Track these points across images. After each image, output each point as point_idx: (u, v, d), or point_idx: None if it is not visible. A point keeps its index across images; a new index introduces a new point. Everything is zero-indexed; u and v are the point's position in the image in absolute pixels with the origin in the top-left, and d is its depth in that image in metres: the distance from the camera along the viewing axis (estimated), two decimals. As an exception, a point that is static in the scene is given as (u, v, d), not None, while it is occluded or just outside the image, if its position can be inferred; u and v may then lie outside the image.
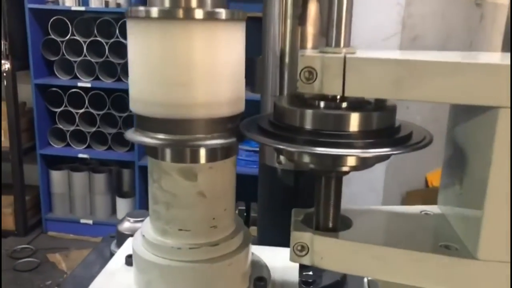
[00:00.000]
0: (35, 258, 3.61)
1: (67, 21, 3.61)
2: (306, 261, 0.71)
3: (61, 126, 3.83)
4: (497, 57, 0.68)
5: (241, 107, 0.74)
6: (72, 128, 3.82)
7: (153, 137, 0.70)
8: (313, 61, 0.63)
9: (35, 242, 3.86)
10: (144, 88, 0.68)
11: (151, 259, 0.73)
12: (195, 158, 0.72)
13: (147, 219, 0.78)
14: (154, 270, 0.73)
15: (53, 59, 3.72)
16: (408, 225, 0.76)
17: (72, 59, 3.68)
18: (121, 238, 1.01)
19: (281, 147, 0.64)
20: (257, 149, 3.24)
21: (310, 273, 1.16)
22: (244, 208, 4.02)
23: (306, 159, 0.68)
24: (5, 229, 3.85)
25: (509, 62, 0.57)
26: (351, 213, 0.77)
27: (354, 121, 0.64)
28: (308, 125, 0.65)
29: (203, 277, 0.72)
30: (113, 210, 4.02)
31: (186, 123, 0.69)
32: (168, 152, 0.72)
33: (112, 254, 0.95)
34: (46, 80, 3.76)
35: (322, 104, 0.67)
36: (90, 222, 3.95)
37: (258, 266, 0.83)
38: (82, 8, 3.63)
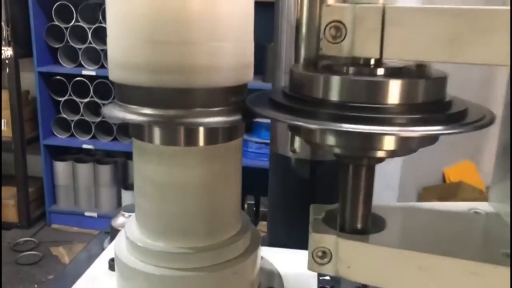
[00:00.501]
0: (38, 251, 3.50)
1: (72, 7, 3.47)
2: (328, 270, 0.57)
3: (65, 116, 3.70)
4: None
5: (248, 75, 0.59)
6: (76, 117, 3.69)
7: (137, 113, 0.55)
8: (342, 14, 0.49)
9: (38, 235, 3.75)
10: (126, 47, 0.54)
11: (136, 266, 0.58)
12: (191, 140, 0.58)
13: (133, 217, 0.64)
14: (140, 279, 0.59)
15: (57, 46, 3.59)
16: (456, 227, 0.61)
17: (76, 46, 3.55)
18: (115, 235, 0.87)
19: (299, 123, 0.49)
20: (268, 140, 3.05)
21: (327, 277, 1.02)
22: (253, 202, 3.86)
23: (331, 140, 0.53)
24: (8, 221, 3.75)
25: None
26: (383, 211, 0.62)
27: (396, 91, 0.49)
28: (334, 96, 0.51)
29: None
30: (119, 203, 3.89)
31: (179, 94, 0.54)
32: (157, 132, 0.57)
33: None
34: (50, 68, 3.63)
35: (351, 70, 0.52)
36: (95, 215, 3.84)
37: (268, 273, 0.69)
38: (87, -7, 3.49)
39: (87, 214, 3.84)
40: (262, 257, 0.70)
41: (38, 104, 3.64)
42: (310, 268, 0.57)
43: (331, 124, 0.49)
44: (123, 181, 3.95)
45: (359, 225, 0.58)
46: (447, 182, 4.08)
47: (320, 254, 0.56)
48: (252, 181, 3.77)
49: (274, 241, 1.08)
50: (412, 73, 0.52)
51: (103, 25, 3.46)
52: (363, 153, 0.54)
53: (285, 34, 0.93)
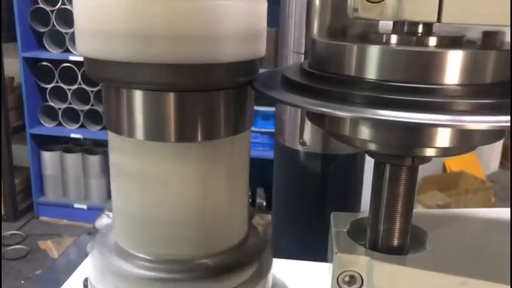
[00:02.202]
0: (25, 245, 3.37)
1: (58, -12, 3.32)
2: (357, 300, 0.44)
3: (52, 104, 3.56)
4: None
5: (260, 48, 0.46)
6: (64, 106, 3.55)
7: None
8: (386, -39, 0.35)
9: (25, 228, 3.62)
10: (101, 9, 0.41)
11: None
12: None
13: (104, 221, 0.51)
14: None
15: (42, 30, 3.43)
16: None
17: (63, 31, 3.39)
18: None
19: (322, 109, 0.36)
20: (264, 130, 2.91)
21: None
22: (250, 193, 3.84)
23: (365, 133, 0.40)
24: (-7, 213, 3.61)
25: None
26: (421, 221, 0.49)
27: (456, 66, 0.36)
28: (372, 74, 0.37)
29: None
30: (109, 195, 3.68)
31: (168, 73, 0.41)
32: (140, 124, 0.44)
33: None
34: (35, 53, 3.48)
35: (393, 39, 0.39)
36: (85, 206, 3.71)
37: None
38: (74, -25, 3.33)
39: (76, 206, 3.72)
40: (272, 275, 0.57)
41: (24, 92, 3.49)
42: (333, 297, 0.44)
43: (366, 111, 0.36)
44: (114, 172, 3.82)
45: (396, 242, 0.45)
46: (448, 171, 3.98)
47: (347, 279, 0.44)
48: (250, 172, 3.67)
49: (279, 243, 0.96)
50: (475, 44, 0.39)
51: (91, 8, 3.31)
52: (407, 151, 0.41)
53: (294, 6, 0.80)
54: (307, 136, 0.84)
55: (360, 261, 0.43)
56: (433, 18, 0.36)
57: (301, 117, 0.84)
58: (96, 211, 3.46)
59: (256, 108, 3.46)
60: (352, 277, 0.44)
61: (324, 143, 0.85)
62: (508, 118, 0.35)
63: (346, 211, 0.88)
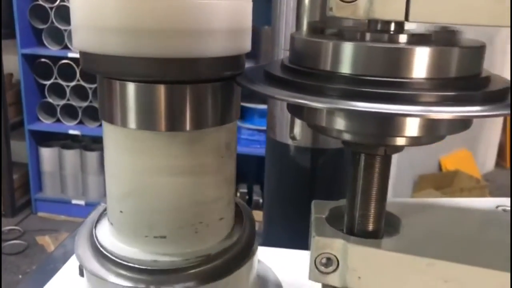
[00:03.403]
0: (23, 240, 3.39)
1: (57, -15, 3.34)
2: (334, 281, 0.47)
3: (50, 100, 3.58)
4: None
5: (245, 44, 0.48)
6: (62, 102, 3.57)
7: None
8: (357, -37, 0.38)
9: (23, 224, 3.64)
10: (96, 5, 0.44)
11: (109, 278, 0.48)
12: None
13: (96, 214, 0.54)
14: (96, 283, 0.48)
15: (41, 27, 3.45)
16: (484, 228, 0.51)
17: (62, 28, 3.42)
18: None
19: (299, 101, 0.39)
20: (261, 127, 2.93)
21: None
22: (246, 191, 3.78)
23: (340, 124, 0.43)
24: (-9, 209, 3.63)
25: None
26: (396, 209, 0.52)
27: (424, 61, 0.39)
28: (346, 68, 0.40)
29: None
30: (107, 191, 3.79)
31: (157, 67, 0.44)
32: (132, 114, 0.47)
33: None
34: (34, 50, 3.50)
35: (367, 37, 0.42)
36: (82, 203, 3.73)
37: (266, 282, 0.59)
38: (73, -28, 3.35)
39: (74, 202, 3.74)
40: (259, 261, 0.60)
41: (22, 88, 3.51)
42: (312, 278, 0.47)
43: (341, 102, 0.39)
44: (111, 168, 3.85)
45: (370, 227, 0.48)
46: (443, 170, 4.01)
47: (324, 261, 0.46)
48: (245, 169, 3.68)
49: (270, 234, 0.99)
50: (441, 41, 0.42)
51: (90, 6, 3.33)
52: (379, 140, 0.44)
53: (285, 4, 0.83)
54: (297, 130, 0.86)
55: (336, 244, 0.46)
56: (401, 17, 0.38)
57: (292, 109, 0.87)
58: (93, 207, 3.49)
59: (253, 106, 3.44)
60: (328, 259, 0.46)
61: (313, 138, 0.88)
62: (473, 108, 0.38)
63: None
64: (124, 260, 0.48)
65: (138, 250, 0.50)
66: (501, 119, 4.20)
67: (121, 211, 0.50)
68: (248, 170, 3.75)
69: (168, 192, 0.49)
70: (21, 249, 3.30)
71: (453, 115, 0.38)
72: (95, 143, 3.83)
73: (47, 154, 3.72)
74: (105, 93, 0.49)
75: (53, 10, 3.39)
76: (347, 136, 0.44)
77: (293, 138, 0.89)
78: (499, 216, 0.54)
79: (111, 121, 0.49)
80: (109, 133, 0.50)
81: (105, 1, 0.43)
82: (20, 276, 3.05)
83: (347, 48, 0.40)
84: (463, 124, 0.43)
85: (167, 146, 0.48)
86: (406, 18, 0.38)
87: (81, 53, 0.49)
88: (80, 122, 3.61)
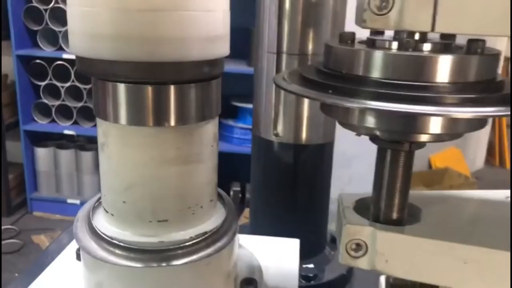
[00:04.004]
0: (19, 239, 3.42)
1: (51, -13, 3.36)
2: (363, 264, 0.52)
3: (45, 101, 3.60)
4: None
5: (222, 49, 0.54)
6: (57, 102, 3.59)
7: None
8: (390, -19, 0.43)
9: (19, 223, 3.66)
10: (90, 15, 0.48)
11: (103, 257, 0.52)
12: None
13: (95, 200, 0.59)
14: (106, 270, 0.53)
15: (36, 28, 3.47)
16: (496, 216, 0.57)
17: (56, 29, 3.43)
18: None
19: (336, 102, 0.44)
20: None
21: (311, 265, 0.98)
22: (239, 189, 3.82)
23: (370, 122, 0.48)
24: (-13, 209, 3.64)
25: None
26: (416, 200, 0.58)
27: (445, 68, 0.44)
28: (376, 73, 0.46)
29: (173, 281, 0.54)
30: (102, 190, 3.82)
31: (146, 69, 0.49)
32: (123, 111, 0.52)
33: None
34: (29, 51, 3.52)
35: (394, 45, 0.47)
36: (78, 202, 3.76)
37: (246, 264, 0.64)
38: (67, -27, 3.37)
39: (69, 201, 3.77)
40: (241, 246, 0.65)
41: (17, 89, 3.53)
42: (343, 261, 0.52)
43: (372, 103, 0.44)
44: (106, 168, 3.88)
45: (395, 215, 0.53)
46: (433, 168, 4.09)
47: (354, 247, 0.52)
48: (238, 168, 3.72)
49: (256, 225, 1.04)
50: (462, 50, 0.47)
51: (85, 6, 3.35)
52: (405, 137, 0.49)
53: (268, 12, 0.88)
54: (280, 128, 0.92)
55: (365, 231, 0.51)
56: (428, 28, 0.44)
57: (275, 110, 0.94)
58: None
59: (246, 105, 3.45)
60: (358, 245, 0.52)
61: (295, 134, 0.94)
62: (488, 109, 0.44)
63: (315, 196, 0.98)
64: (132, 245, 0.53)
65: (143, 235, 0.54)
66: (490, 118, 4.29)
67: (124, 202, 0.54)
68: (241, 168, 3.79)
69: (169, 180, 0.54)
70: (17, 248, 3.32)
71: (471, 115, 0.44)
72: (90, 143, 3.85)
73: (42, 154, 3.74)
74: (99, 92, 0.54)
75: (48, 11, 3.41)
76: (376, 133, 0.49)
77: (276, 135, 0.94)
78: (509, 205, 0.59)
79: (104, 117, 0.53)
80: (103, 128, 0.54)
81: (99, 12, 0.48)
82: (17, 274, 3.08)
83: (378, 56, 0.45)
84: (480, 123, 0.48)
85: (154, 140, 0.52)
86: (433, 29, 0.44)
87: (77, 57, 0.53)
88: (75, 122, 3.64)
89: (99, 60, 0.50)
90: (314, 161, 0.99)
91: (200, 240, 0.53)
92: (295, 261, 0.72)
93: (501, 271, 0.48)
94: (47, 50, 3.49)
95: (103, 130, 0.53)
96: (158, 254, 0.51)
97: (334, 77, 0.48)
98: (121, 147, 0.53)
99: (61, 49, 3.47)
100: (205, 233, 0.54)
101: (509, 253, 0.47)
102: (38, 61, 3.50)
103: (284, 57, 0.89)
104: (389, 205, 0.53)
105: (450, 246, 0.49)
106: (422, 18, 0.43)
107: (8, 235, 3.46)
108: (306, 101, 0.91)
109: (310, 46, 0.88)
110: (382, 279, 0.67)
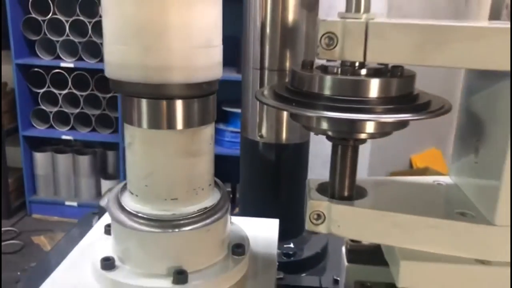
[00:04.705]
0: (19, 240, 3.56)
1: (49, -1, 3.53)
2: (322, 229, 0.71)
3: (44, 107, 3.76)
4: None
5: (218, 73, 0.73)
6: (55, 109, 3.75)
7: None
8: (334, 27, 0.63)
9: (19, 225, 3.81)
10: (122, 52, 0.67)
11: (130, 226, 0.71)
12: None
13: (121, 187, 0.77)
14: (132, 237, 0.71)
15: (34, 38, 3.63)
16: (422, 194, 0.76)
17: (54, 39, 3.60)
18: (103, 213, 1.00)
19: (300, 112, 0.63)
20: None
21: (291, 245, 1.17)
22: (229, 189, 4.03)
23: (325, 126, 0.67)
24: (-13, 212, 3.79)
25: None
26: (364, 183, 0.77)
27: (374, 87, 0.64)
28: (327, 91, 0.65)
29: (182, 243, 0.72)
30: (98, 192, 3.98)
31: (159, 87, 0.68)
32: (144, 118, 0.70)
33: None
34: (28, 60, 3.68)
35: (340, 70, 0.67)
36: (75, 204, 3.91)
37: (237, 234, 0.83)
38: (63, -14, 3.54)
39: (67, 203, 3.92)
40: (233, 223, 0.84)
41: (17, 96, 3.68)
42: (308, 227, 0.71)
43: (325, 112, 0.63)
44: (102, 171, 4.03)
45: (346, 193, 0.72)
46: (414, 168, 4.29)
47: (315, 216, 0.70)
48: (229, 169, 3.89)
49: (244, 216, 1.24)
50: (388, 72, 0.67)
51: (80, 18, 3.52)
52: (349, 136, 0.68)
53: (252, 33, 1.08)
54: (264, 130, 1.12)
55: (323, 205, 0.70)
56: (361, 59, 0.62)
57: (259, 115, 1.14)
58: (86, 208, 3.67)
59: (236, 110, 3.62)
60: (318, 215, 0.70)
61: (277, 135, 1.14)
62: (404, 115, 0.63)
63: (295, 188, 1.17)
64: (152, 217, 0.70)
65: (160, 210, 0.72)
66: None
67: (145, 185, 0.73)
68: (232, 170, 3.95)
69: (179, 169, 0.72)
70: (18, 248, 3.46)
71: (393, 120, 0.63)
72: (86, 147, 4.02)
73: (40, 158, 3.89)
74: (127, 105, 0.71)
75: (46, 22, 3.57)
76: (329, 133, 0.68)
77: (261, 136, 1.14)
78: (434, 186, 0.79)
79: (131, 123, 0.70)
80: (130, 131, 0.72)
81: (129, 49, 0.65)
82: (19, 273, 3.22)
83: (328, 79, 0.64)
84: (402, 124, 0.67)
85: (168, 139, 0.71)
86: (364, 59, 0.63)
87: (111, 79, 0.71)
88: (72, 128, 3.80)
89: (127, 82, 0.68)
90: (294, 158, 1.18)
91: (202, 213, 0.72)
92: (275, 236, 0.90)
93: (423, 232, 0.67)
94: (45, 59, 3.66)
95: (130, 132, 0.72)
96: (171, 223, 0.70)
97: (297, 94, 0.67)
98: (143, 145, 0.71)
99: (58, 58, 3.64)
100: (206, 208, 0.73)
101: (422, 217, 0.66)
102: (36, 69, 3.67)
103: (266, 72, 1.08)
104: (341, 186, 0.72)
105: (384, 214, 0.68)
106: (357, 52, 0.62)
107: (8, 236, 3.61)
108: (285, 109, 1.11)
109: (287, 63, 1.07)
110: (343, 248, 0.86)
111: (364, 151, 3.19)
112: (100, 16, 3.43)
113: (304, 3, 1.04)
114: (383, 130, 0.67)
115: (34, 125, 3.83)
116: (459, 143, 0.78)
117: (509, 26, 0.59)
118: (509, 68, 0.59)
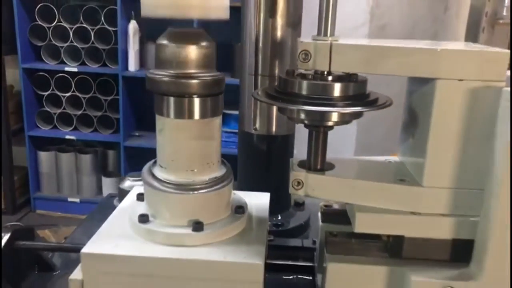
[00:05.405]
0: (25, 234, 3.75)
1: (54, 8, 3.76)
2: (301, 192, 0.97)
3: (48, 109, 3.98)
4: (445, 44, 0.94)
5: (227, 14, 0.94)
6: (59, 111, 3.97)
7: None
8: (308, 46, 0.89)
9: (24, 220, 4.01)
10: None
11: (162, 189, 0.96)
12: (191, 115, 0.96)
13: (151, 163, 1.02)
14: (162, 198, 0.96)
15: (40, 44, 3.85)
16: (375, 168, 1.03)
17: (58, 45, 3.82)
18: (123, 195, 1.23)
19: (285, 106, 0.90)
20: (236, 130, 3.59)
21: (280, 218, 1.43)
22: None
23: (303, 116, 0.93)
24: (-7, 208, 3.99)
25: (445, 47, 0.84)
26: (333, 161, 1.03)
27: (337, 89, 0.90)
28: (304, 92, 0.91)
29: (197, 203, 0.96)
30: (99, 189, 4.20)
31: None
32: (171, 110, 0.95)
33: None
34: (33, 64, 3.90)
35: (313, 77, 0.93)
36: (77, 200, 4.12)
37: (238, 199, 1.08)
38: (68, -4, 3.78)
39: (70, 200, 4.13)
40: (234, 193, 1.09)
41: (23, 98, 3.90)
42: (291, 191, 0.97)
43: (303, 106, 0.89)
44: (103, 169, 4.26)
45: (319, 166, 0.98)
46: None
47: (296, 183, 0.96)
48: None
49: None
50: (347, 78, 0.93)
51: (84, 25, 3.76)
52: (320, 123, 0.95)
53: (248, 45, 1.34)
54: (258, 124, 1.37)
55: (302, 175, 0.96)
56: (327, 69, 0.89)
57: (254, 112, 1.38)
58: (87, 204, 3.91)
59: (230, 112, 3.86)
60: (298, 182, 0.96)
61: (268, 128, 1.39)
62: (357, 108, 0.89)
63: (283, 171, 1.43)
64: (177, 183, 0.95)
65: (182, 178, 0.97)
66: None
67: (172, 160, 0.98)
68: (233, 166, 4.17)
69: (197, 148, 0.96)
70: (25, 242, 3.66)
71: (350, 111, 0.89)
72: (88, 146, 4.24)
73: (45, 157, 4.11)
74: (158, 100, 0.95)
75: (51, 29, 3.81)
76: (306, 122, 0.94)
77: (255, 129, 1.39)
78: (385, 163, 1.05)
79: (161, 114, 0.95)
80: (160, 120, 0.96)
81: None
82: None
83: (304, 84, 0.91)
84: (357, 115, 0.93)
85: (188, 127, 0.96)
86: (329, 69, 0.89)
87: (148, 77, 0.95)
88: (75, 128, 4.02)
89: (161, 81, 0.94)
90: (282, 147, 1.44)
91: (213, 181, 0.98)
92: (267, 204, 1.16)
93: (374, 193, 0.93)
94: (50, 64, 3.88)
95: (161, 121, 0.97)
96: (191, 187, 0.96)
97: (283, 93, 0.93)
98: (170, 130, 0.97)
99: (62, 62, 3.87)
100: (216, 177, 0.99)
101: (374, 183, 0.92)
102: (41, 73, 3.89)
103: (259, 77, 1.35)
104: (315, 161, 0.98)
105: (346, 181, 0.94)
106: (324, 64, 0.89)
107: (15, 230, 3.81)
108: (274, 106, 1.37)
109: (276, 70, 1.33)
110: (319, 213, 1.12)
111: (347, 153, 3.45)
112: (102, 24, 3.69)
113: (289, 23, 1.31)
114: (344, 119, 0.93)
115: (39, 125, 4.04)
116: (403, 131, 1.05)
117: (436, 47, 0.86)
118: (430, 76, 0.86)
